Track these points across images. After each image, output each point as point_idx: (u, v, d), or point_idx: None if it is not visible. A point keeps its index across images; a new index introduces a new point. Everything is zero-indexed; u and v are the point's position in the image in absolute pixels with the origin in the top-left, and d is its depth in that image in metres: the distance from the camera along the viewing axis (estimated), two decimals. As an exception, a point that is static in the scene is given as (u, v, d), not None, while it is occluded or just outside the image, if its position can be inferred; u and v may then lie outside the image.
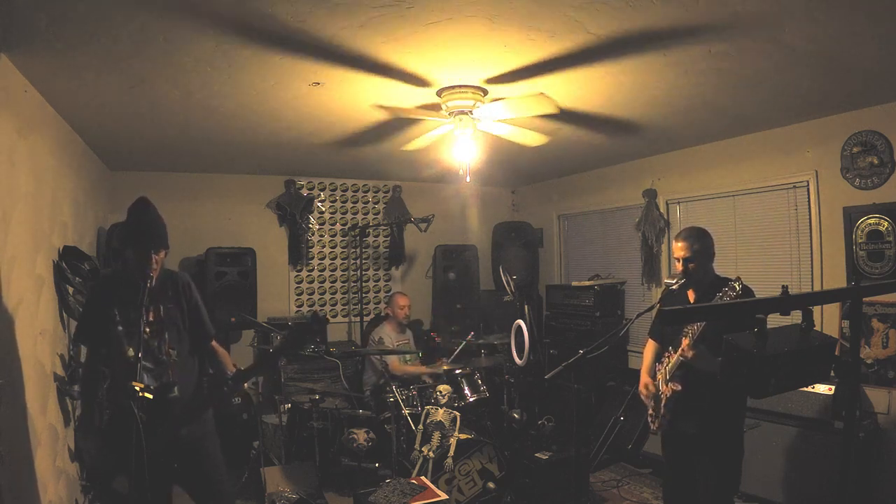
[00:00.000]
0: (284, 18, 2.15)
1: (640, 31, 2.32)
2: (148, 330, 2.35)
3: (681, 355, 2.60)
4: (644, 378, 2.86)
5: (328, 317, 5.93)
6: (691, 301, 2.75)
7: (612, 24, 2.25)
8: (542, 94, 2.96)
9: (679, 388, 2.64)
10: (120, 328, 2.34)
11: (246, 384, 2.95)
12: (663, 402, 2.74)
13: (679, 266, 2.72)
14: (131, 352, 2.30)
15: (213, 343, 2.68)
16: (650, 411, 2.88)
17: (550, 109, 2.98)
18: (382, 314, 5.07)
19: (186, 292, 2.56)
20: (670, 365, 2.68)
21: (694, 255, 2.68)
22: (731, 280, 2.51)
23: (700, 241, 2.70)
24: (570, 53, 2.55)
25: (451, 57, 2.58)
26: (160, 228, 2.44)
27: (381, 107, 3.15)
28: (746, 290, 2.49)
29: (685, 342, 2.60)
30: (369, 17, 2.15)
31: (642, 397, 2.85)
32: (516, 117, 3.17)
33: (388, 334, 4.74)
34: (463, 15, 2.15)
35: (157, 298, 2.44)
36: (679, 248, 2.71)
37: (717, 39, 2.41)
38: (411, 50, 2.48)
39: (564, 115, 3.49)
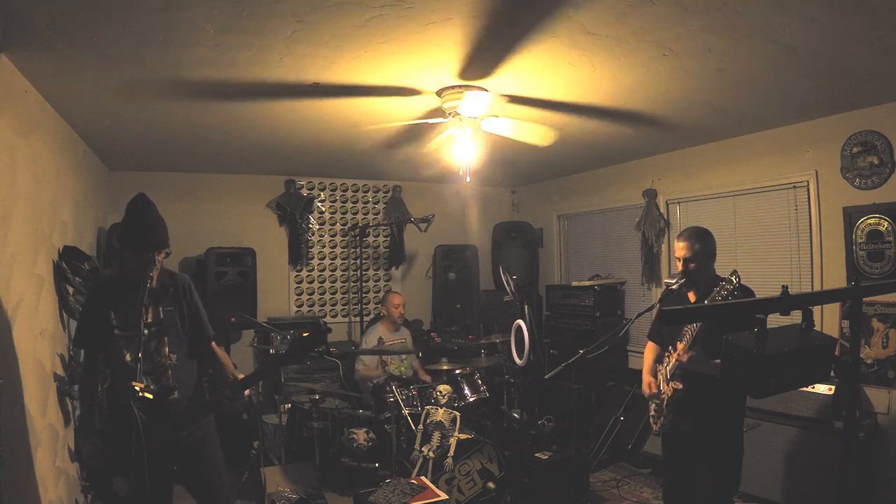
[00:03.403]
0: (284, 18, 2.15)
1: (639, 31, 2.33)
2: (146, 332, 2.32)
3: (677, 359, 2.61)
4: (646, 378, 2.87)
5: (328, 317, 5.93)
6: (691, 301, 2.75)
7: (612, 23, 2.25)
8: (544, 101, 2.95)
9: (680, 386, 2.64)
10: (118, 332, 2.32)
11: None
12: (664, 402, 2.74)
13: (680, 266, 2.72)
14: (129, 356, 2.29)
15: (213, 345, 2.66)
16: (651, 412, 2.88)
17: (553, 112, 2.99)
18: (381, 314, 5.08)
19: (187, 294, 2.54)
20: (670, 364, 2.68)
21: (694, 255, 2.68)
22: (724, 278, 2.49)
23: (701, 242, 2.70)
24: (570, 53, 2.55)
25: (451, 57, 2.58)
26: (161, 228, 2.40)
27: (386, 122, 3.15)
28: (744, 288, 2.49)
29: (680, 346, 2.60)
30: (369, 16, 2.15)
31: (646, 395, 2.86)
32: (518, 117, 3.17)
33: (383, 333, 4.74)
34: (463, 15, 2.15)
35: (157, 300, 2.42)
36: (680, 248, 2.71)
37: (717, 39, 2.41)
38: (411, 50, 2.48)
39: (565, 115, 3.49)
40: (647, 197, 5.01)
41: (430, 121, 3.30)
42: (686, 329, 2.62)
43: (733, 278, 2.42)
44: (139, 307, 2.21)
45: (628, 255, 5.34)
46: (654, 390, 2.78)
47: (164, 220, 2.42)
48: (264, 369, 3.24)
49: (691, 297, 2.76)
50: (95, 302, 2.42)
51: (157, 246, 2.35)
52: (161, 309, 2.41)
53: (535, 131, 3.27)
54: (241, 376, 2.52)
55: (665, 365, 2.74)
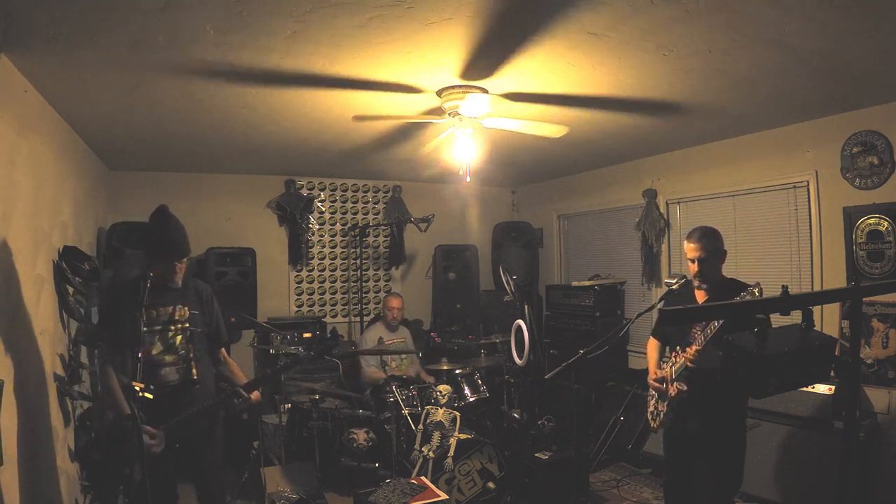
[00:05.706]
0: (284, 18, 2.15)
1: (639, 31, 2.33)
2: (172, 327, 2.59)
3: (689, 361, 2.59)
4: (653, 370, 2.88)
5: (328, 317, 5.93)
6: (700, 301, 2.74)
7: (612, 23, 2.25)
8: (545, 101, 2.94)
9: (685, 388, 2.64)
10: (145, 328, 2.47)
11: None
12: (667, 402, 2.74)
13: (694, 267, 2.71)
14: (155, 349, 2.51)
15: (223, 352, 2.86)
16: (650, 409, 2.88)
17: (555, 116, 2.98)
18: (381, 314, 5.09)
19: (210, 302, 2.78)
20: (676, 366, 2.68)
21: (709, 255, 2.68)
22: (749, 285, 2.47)
23: (713, 241, 2.71)
24: (570, 54, 2.55)
25: (451, 57, 2.58)
26: (185, 240, 2.64)
27: (383, 117, 3.15)
28: None
29: (690, 350, 2.58)
30: (370, 16, 2.15)
31: (650, 381, 2.85)
32: (520, 115, 3.17)
33: (383, 332, 4.75)
34: (462, 14, 2.15)
35: (185, 299, 2.66)
36: (692, 249, 2.71)
37: (717, 39, 2.41)
38: (411, 50, 2.48)
39: (567, 110, 3.46)
40: (647, 197, 5.01)
41: (434, 120, 3.30)
42: (696, 332, 2.61)
43: (756, 290, 2.39)
44: (145, 306, 2.32)
45: (628, 255, 5.34)
46: (661, 374, 2.78)
47: (185, 228, 2.65)
48: (276, 371, 3.31)
49: (700, 296, 2.76)
50: (117, 300, 2.53)
51: (182, 255, 2.63)
52: (188, 310, 2.64)
53: (541, 126, 3.23)
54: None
55: (671, 366, 2.74)
